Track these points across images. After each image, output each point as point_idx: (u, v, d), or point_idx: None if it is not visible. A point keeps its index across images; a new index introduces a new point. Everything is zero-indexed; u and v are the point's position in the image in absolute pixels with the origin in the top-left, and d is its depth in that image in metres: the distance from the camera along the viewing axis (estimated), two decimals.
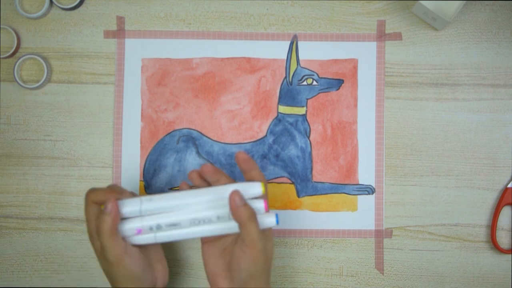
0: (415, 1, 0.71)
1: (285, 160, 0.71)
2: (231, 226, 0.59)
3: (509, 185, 0.70)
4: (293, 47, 0.72)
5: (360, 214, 0.71)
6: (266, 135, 0.71)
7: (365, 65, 0.71)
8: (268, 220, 0.59)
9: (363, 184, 0.71)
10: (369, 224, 0.71)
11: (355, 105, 0.71)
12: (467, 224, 0.71)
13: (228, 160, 0.71)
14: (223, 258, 0.60)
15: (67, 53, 0.72)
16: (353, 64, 0.72)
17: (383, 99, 0.71)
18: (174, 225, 0.58)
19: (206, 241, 0.62)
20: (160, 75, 0.71)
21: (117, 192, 0.58)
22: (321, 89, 0.71)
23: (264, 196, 0.60)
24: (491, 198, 0.71)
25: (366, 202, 0.71)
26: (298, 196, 0.71)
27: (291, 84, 0.71)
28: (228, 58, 0.72)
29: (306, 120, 0.71)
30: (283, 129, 0.71)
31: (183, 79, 0.71)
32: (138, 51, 0.71)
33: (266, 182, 0.61)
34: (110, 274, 0.58)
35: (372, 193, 0.71)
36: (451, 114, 0.71)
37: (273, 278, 0.70)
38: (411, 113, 0.71)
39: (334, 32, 0.72)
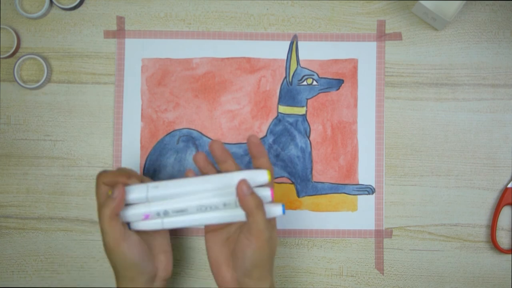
0: (415, 1, 0.71)
1: (285, 160, 0.71)
2: (238, 214, 0.59)
3: (509, 185, 0.70)
4: (293, 47, 0.72)
5: (360, 214, 0.71)
6: (266, 135, 0.71)
7: (365, 65, 0.72)
8: (274, 209, 0.59)
9: (363, 184, 0.71)
10: (369, 224, 0.71)
11: (355, 105, 0.71)
12: (467, 224, 0.71)
13: None
14: (227, 247, 0.60)
15: (67, 53, 0.72)
16: (353, 64, 0.72)
17: (383, 99, 0.71)
18: (181, 211, 0.59)
19: (209, 230, 0.62)
20: (160, 75, 0.71)
21: (125, 175, 0.58)
22: (321, 89, 0.71)
23: (271, 185, 0.60)
24: (491, 198, 0.71)
25: (366, 202, 0.71)
26: (298, 196, 0.71)
27: (291, 84, 0.71)
28: (228, 58, 0.72)
29: (306, 120, 0.71)
30: (283, 129, 0.71)
31: (183, 79, 0.71)
32: (138, 51, 0.71)
33: (273, 170, 0.61)
34: (109, 259, 0.59)
35: (372, 193, 0.71)
36: (451, 114, 0.72)
37: None
38: (411, 113, 0.71)
39: (334, 32, 0.72)
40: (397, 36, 0.72)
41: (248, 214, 0.56)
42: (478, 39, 0.72)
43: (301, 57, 0.71)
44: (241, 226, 0.60)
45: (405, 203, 0.71)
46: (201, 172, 0.62)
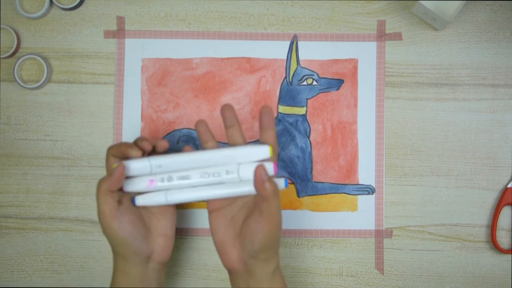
0: (415, 1, 0.71)
1: (285, 160, 0.71)
2: (243, 190, 0.60)
3: (509, 185, 0.70)
4: (293, 47, 0.72)
5: (360, 214, 0.71)
6: None
7: (365, 65, 0.71)
8: (277, 182, 0.59)
9: (363, 184, 0.71)
10: (369, 224, 0.71)
11: (355, 105, 0.71)
12: (467, 224, 0.71)
13: None
14: (232, 227, 0.61)
15: (67, 53, 0.72)
16: (353, 64, 0.72)
17: (383, 99, 0.71)
18: (185, 178, 0.60)
19: (213, 209, 0.62)
20: (160, 75, 0.71)
21: (128, 145, 0.59)
22: (321, 89, 0.71)
23: (273, 159, 0.60)
24: (491, 198, 0.71)
25: (366, 202, 0.71)
26: (298, 196, 0.71)
27: (291, 84, 0.71)
28: (228, 58, 0.72)
29: (306, 120, 0.71)
30: (283, 129, 0.71)
31: (183, 79, 0.71)
32: (138, 51, 0.71)
33: (277, 145, 0.62)
34: (103, 233, 0.60)
35: (372, 193, 0.71)
36: (451, 114, 0.71)
37: None
38: (411, 113, 0.71)
39: (334, 32, 0.72)
40: (397, 36, 0.72)
41: (263, 200, 0.57)
42: (478, 39, 0.72)
43: (301, 57, 0.71)
44: (245, 205, 0.61)
45: (405, 203, 0.71)
46: (200, 138, 0.62)
